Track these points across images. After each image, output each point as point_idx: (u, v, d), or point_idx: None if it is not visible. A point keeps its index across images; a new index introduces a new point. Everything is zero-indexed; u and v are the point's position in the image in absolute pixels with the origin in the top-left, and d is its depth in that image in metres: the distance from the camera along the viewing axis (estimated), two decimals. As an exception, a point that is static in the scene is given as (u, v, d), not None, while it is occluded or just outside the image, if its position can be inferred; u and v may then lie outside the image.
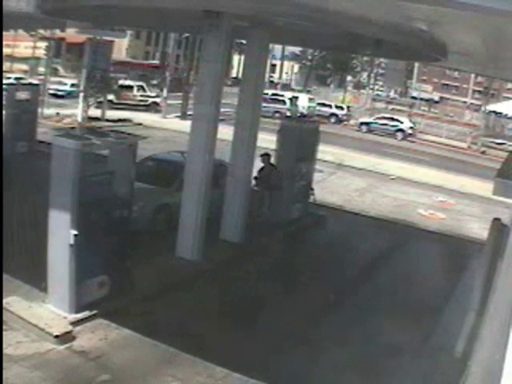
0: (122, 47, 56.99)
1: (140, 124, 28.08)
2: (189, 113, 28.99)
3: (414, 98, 66.16)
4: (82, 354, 7.35)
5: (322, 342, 8.41)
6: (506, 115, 42.55)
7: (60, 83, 37.47)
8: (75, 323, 7.86)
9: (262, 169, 13.24)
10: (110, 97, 29.40)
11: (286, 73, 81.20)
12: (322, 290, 10.37)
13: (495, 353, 4.30)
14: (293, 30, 11.92)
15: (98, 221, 8.08)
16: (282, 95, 44.18)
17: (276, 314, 9.19)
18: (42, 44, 35.77)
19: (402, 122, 40.96)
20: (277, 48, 63.41)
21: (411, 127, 41.26)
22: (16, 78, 30.88)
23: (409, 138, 39.87)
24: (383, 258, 12.95)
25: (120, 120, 28.21)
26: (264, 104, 15.90)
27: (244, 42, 15.25)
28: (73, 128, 23.26)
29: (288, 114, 36.31)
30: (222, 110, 11.22)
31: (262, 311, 9.29)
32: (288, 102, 41.31)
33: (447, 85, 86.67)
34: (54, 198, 7.88)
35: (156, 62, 65.21)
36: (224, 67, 11.11)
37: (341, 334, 8.77)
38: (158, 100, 37.60)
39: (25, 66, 41.63)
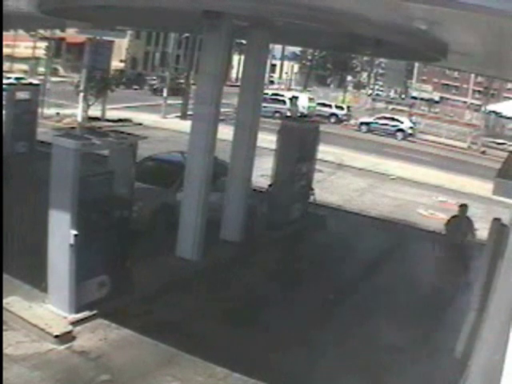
0: (122, 47, 56.96)
1: (140, 124, 28.04)
2: (189, 113, 28.99)
3: (414, 97, 66.14)
4: (82, 354, 7.35)
5: (319, 339, 8.43)
6: (506, 115, 42.52)
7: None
8: (75, 323, 7.86)
9: (454, 216, 11.93)
10: None
11: (286, 73, 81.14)
12: (322, 290, 10.38)
13: (495, 353, 4.31)
14: (293, 30, 11.92)
15: (98, 221, 8.08)
16: (282, 95, 44.16)
17: (275, 314, 9.19)
18: (42, 44, 35.74)
19: (402, 122, 40.94)
20: (277, 48, 63.55)
21: (411, 127, 41.24)
22: (16, 78, 30.86)
23: (409, 138, 39.84)
24: (383, 258, 12.94)
25: (120, 120, 28.18)
26: (264, 104, 15.86)
27: (244, 41, 15.24)
28: (73, 128, 23.25)
29: (288, 113, 36.32)
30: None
31: (261, 311, 9.30)
32: (288, 101, 41.30)
33: (447, 85, 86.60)
34: (54, 198, 7.88)
35: None
36: (224, 67, 11.12)
37: (339, 334, 8.78)
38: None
39: (25, 66, 41.59)
